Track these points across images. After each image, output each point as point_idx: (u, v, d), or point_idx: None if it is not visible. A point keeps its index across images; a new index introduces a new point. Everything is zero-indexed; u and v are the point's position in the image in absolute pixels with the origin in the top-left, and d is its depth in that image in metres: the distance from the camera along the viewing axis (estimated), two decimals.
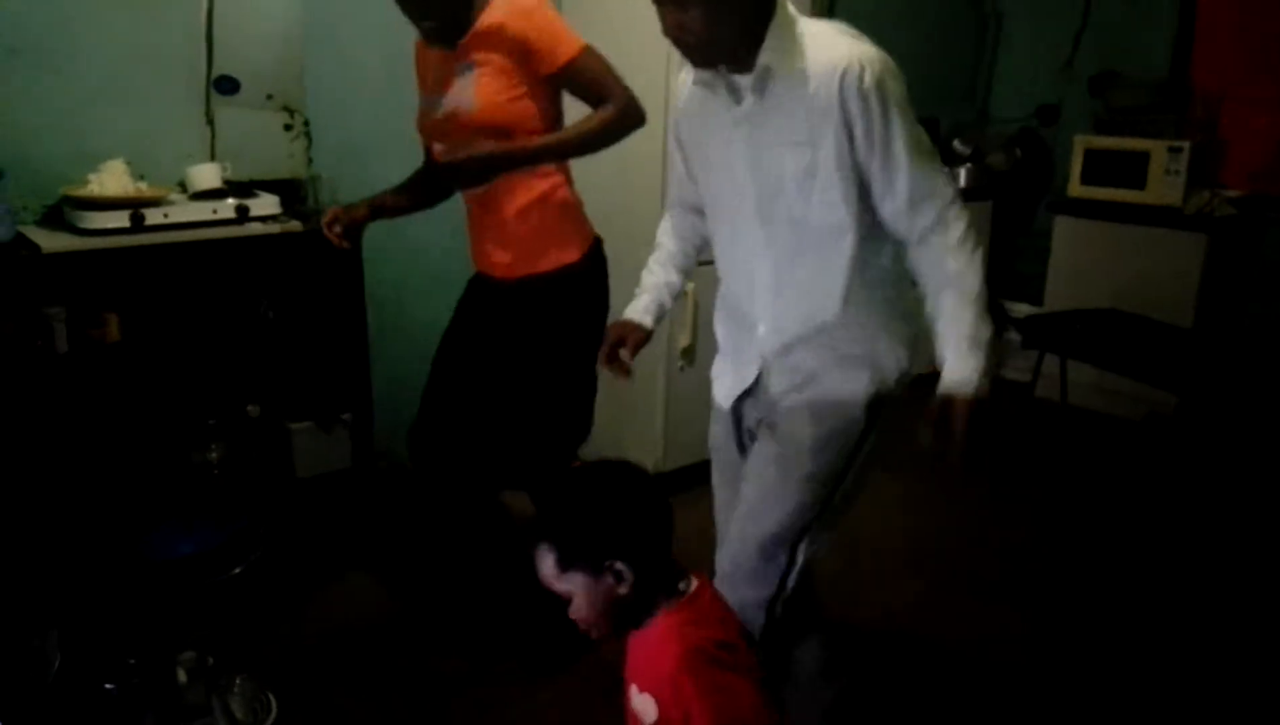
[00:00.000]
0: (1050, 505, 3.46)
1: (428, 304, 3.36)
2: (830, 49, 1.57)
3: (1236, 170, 4.26)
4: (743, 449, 1.91)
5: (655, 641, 1.36)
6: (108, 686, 2.11)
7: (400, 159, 3.21)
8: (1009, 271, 4.77)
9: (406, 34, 3.17)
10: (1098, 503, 3.49)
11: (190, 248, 2.57)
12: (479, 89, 2.13)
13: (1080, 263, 4.34)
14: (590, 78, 2.16)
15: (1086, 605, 2.83)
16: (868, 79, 1.55)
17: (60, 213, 2.56)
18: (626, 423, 3.44)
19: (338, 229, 2.29)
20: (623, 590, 1.34)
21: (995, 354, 1.63)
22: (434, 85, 2.22)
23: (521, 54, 2.11)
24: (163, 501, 2.69)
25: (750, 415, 1.88)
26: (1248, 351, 4.16)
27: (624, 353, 1.91)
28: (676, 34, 1.57)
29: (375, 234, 2.86)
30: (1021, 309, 4.53)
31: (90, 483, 2.55)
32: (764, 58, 1.59)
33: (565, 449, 2.42)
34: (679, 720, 1.31)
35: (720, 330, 1.94)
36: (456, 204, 2.42)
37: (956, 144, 4.78)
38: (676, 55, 3.06)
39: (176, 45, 2.80)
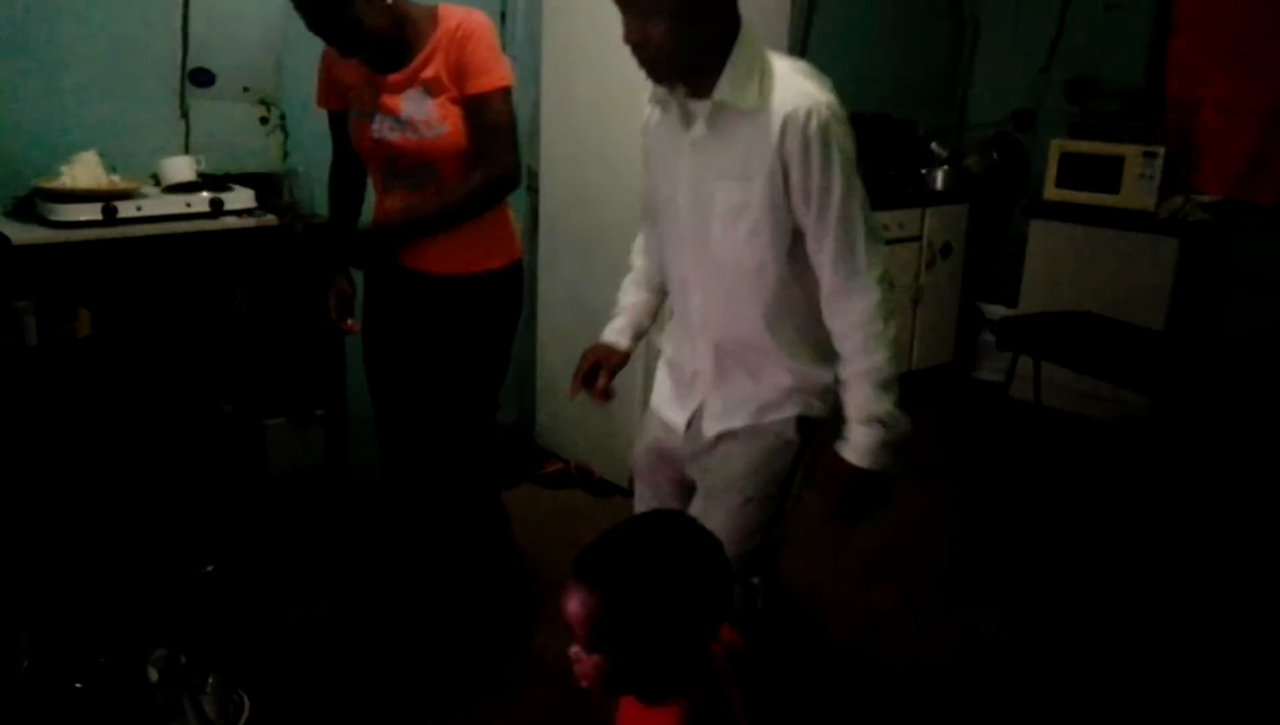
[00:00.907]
0: (1024, 506, 3.49)
1: None
2: (784, 90, 1.56)
3: (1209, 175, 4.31)
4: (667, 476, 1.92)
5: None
6: (78, 685, 2.08)
7: None
8: (985, 273, 4.81)
9: None
10: (1072, 503, 3.52)
11: (163, 241, 2.54)
12: (445, 113, 2.10)
13: (1055, 265, 4.38)
14: (493, 120, 2.11)
15: (1063, 606, 2.85)
16: (813, 125, 1.53)
17: (31, 204, 2.52)
18: (604, 424, 3.43)
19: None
20: (655, 670, 1.27)
21: (895, 428, 1.63)
22: (373, 103, 2.15)
23: (458, 72, 2.08)
24: (133, 500, 2.66)
25: (688, 446, 1.85)
26: (1219, 355, 4.21)
27: (601, 377, 1.89)
28: (637, 43, 1.56)
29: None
30: (997, 311, 4.57)
31: (58, 480, 2.51)
32: (720, 90, 1.57)
33: (482, 429, 2.45)
34: None
35: (667, 343, 1.94)
36: None
37: (934, 146, 4.81)
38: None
39: (151, 37, 2.77)
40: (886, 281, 1.63)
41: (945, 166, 4.75)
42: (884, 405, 1.62)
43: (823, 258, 1.61)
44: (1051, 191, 4.40)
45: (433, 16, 2.11)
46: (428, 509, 2.54)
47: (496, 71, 2.10)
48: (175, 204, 2.60)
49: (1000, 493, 3.58)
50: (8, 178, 2.57)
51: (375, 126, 2.15)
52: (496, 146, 2.11)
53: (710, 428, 1.79)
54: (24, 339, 2.43)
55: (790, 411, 1.74)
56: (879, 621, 2.73)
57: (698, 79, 1.59)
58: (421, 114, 2.10)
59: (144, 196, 2.58)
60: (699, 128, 1.63)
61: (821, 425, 1.78)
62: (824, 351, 1.72)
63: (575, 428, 3.55)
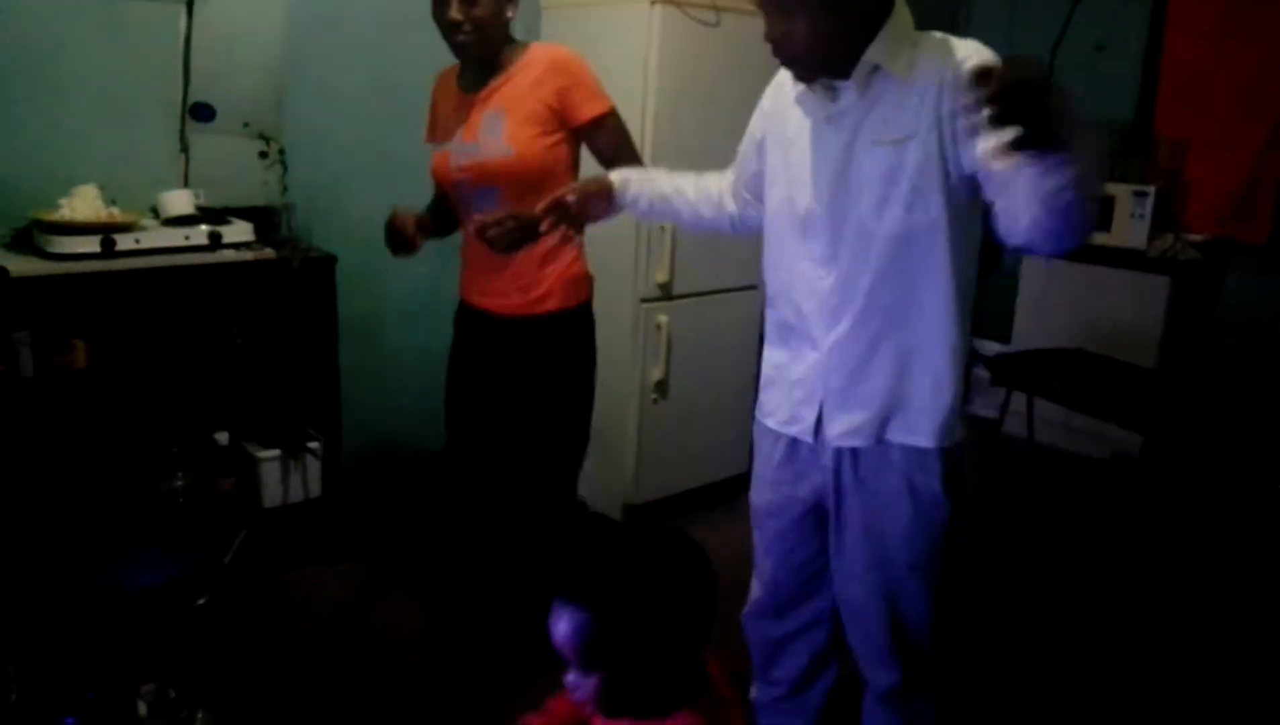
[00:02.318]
0: (1016, 543, 3.48)
1: (400, 334, 3.37)
2: (941, 49, 1.50)
3: (1199, 214, 4.34)
4: (800, 490, 1.79)
5: None
6: (66, 720, 2.06)
7: (375, 188, 3.23)
8: (977, 309, 4.81)
9: (386, 64, 3.21)
10: (1064, 540, 3.51)
11: (161, 274, 2.55)
12: (513, 136, 2.15)
13: (1047, 302, 4.41)
14: (613, 138, 2.23)
15: (1053, 641, 2.84)
16: (973, 61, 1.41)
17: (29, 236, 2.53)
18: (598, 457, 3.43)
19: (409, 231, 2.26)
20: (656, 683, 1.25)
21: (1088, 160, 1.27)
22: (453, 132, 2.24)
23: (557, 102, 2.15)
24: (126, 531, 2.65)
25: (816, 463, 1.74)
26: (1210, 393, 4.24)
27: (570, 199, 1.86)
28: (779, 42, 1.52)
29: (349, 264, 2.87)
30: (990, 347, 4.59)
31: (53, 511, 2.51)
32: (872, 52, 1.50)
33: (566, 480, 2.42)
34: None
35: (771, 358, 1.83)
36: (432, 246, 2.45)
37: None
38: (655, 72, 3.14)
39: (153, 71, 2.79)
40: None
41: None
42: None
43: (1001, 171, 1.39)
44: None
45: (525, 48, 2.22)
46: (493, 554, 2.48)
47: (603, 96, 2.21)
48: (174, 237, 2.61)
49: (993, 529, 3.58)
50: (7, 209, 2.58)
51: (453, 156, 2.23)
52: (624, 157, 2.22)
53: (836, 433, 1.66)
54: (20, 370, 2.43)
55: (933, 441, 1.61)
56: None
57: (839, 71, 1.53)
58: (492, 135, 2.16)
59: (143, 229, 2.59)
60: (847, 96, 1.55)
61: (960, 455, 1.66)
62: (961, 352, 1.63)
63: None
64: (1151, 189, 4.11)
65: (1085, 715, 2.52)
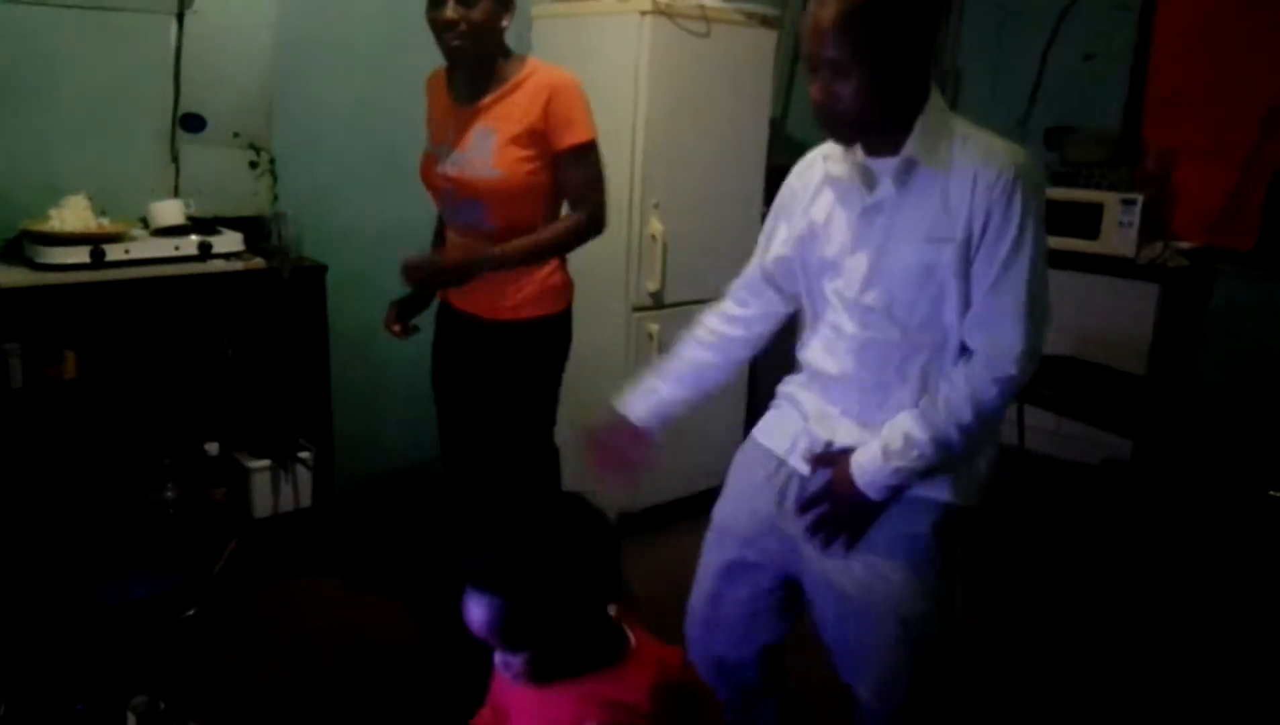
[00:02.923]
0: (1007, 551, 3.49)
1: (390, 343, 3.35)
2: (979, 148, 1.51)
3: (1188, 222, 4.36)
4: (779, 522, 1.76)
5: (626, 689, 1.29)
6: None
7: (366, 198, 3.23)
8: None
9: (376, 74, 3.22)
10: (1056, 547, 3.52)
11: (151, 284, 2.55)
12: (500, 157, 2.15)
13: None
14: (585, 172, 2.22)
15: (1046, 648, 2.84)
16: (1006, 180, 1.48)
17: (19, 247, 2.53)
18: (574, 473, 3.42)
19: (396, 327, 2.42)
20: (575, 647, 1.28)
21: (917, 472, 1.54)
22: (444, 135, 2.25)
23: (544, 125, 2.14)
24: (116, 542, 2.64)
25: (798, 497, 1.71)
26: (1200, 399, 4.25)
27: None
28: (825, 103, 1.51)
29: (339, 273, 2.87)
30: None
31: (43, 522, 2.50)
32: (910, 148, 1.51)
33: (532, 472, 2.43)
34: None
35: (791, 390, 1.81)
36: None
37: None
38: (645, 82, 3.15)
39: (143, 82, 2.79)
40: (1027, 362, 1.54)
41: None
42: (927, 450, 1.53)
43: (971, 314, 1.54)
44: None
45: (521, 62, 2.21)
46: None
47: (586, 126, 2.19)
48: (164, 247, 2.61)
49: (984, 538, 3.58)
50: None
51: (439, 162, 2.24)
52: (593, 195, 2.23)
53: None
54: (9, 381, 2.42)
55: (940, 492, 1.62)
56: None
57: (880, 140, 1.55)
58: (479, 153, 2.16)
59: (132, 239, 2.59)
60: (884, 188, 1.55)
61: (970, 517, 1.67)
62: (988, 435, 1.65)
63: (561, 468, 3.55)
64: (1140, 197, 4.13)
65: (1079, 719, 2.52)
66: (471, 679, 2.47)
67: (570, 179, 2.22)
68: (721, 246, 3.49)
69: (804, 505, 1.63)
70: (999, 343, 1.53)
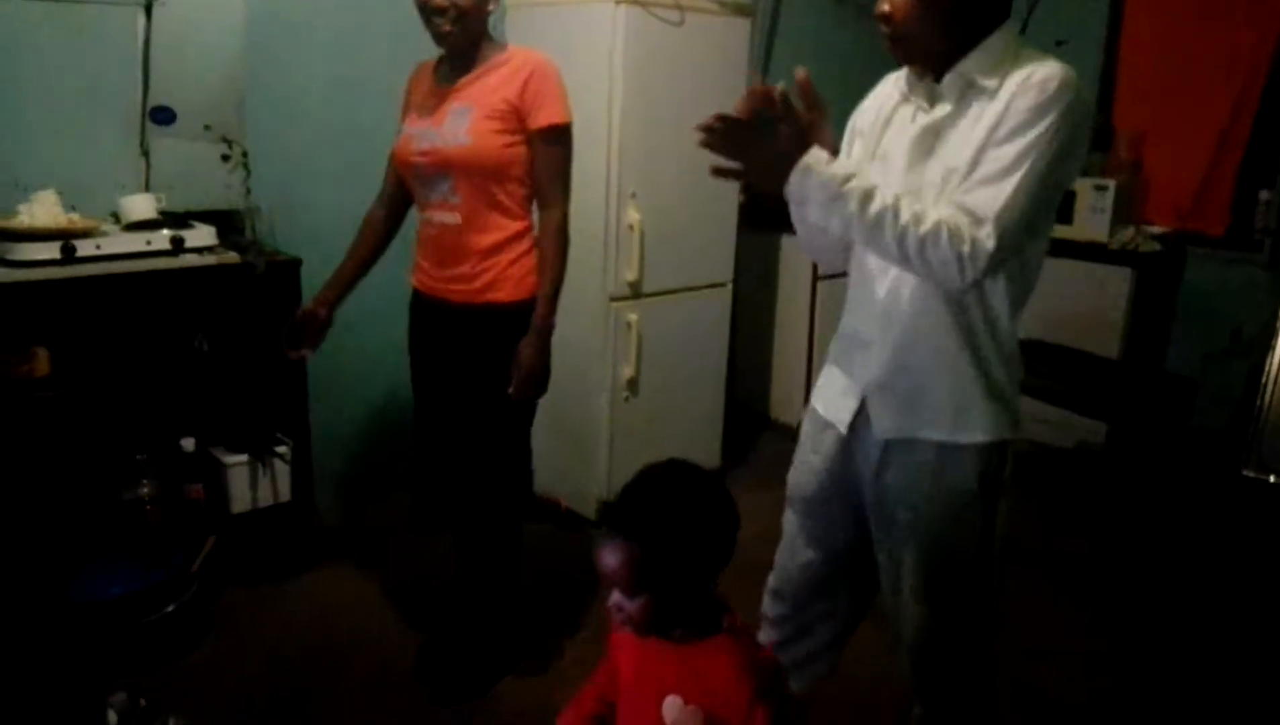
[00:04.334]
0: None
1: (366, 335, 3.35)
2: (1032, 62, 1.48)
3: (1159, 207, 4.41)
4: (842, 484, 1.79)
5: (719, 663, 1.38)
6: None
7: (340, 190, 3.20)
8: None
9: (348, 64, 3.20)
10: (1032, 529, 3.55)
11: (123, 280, 2.52)
12: (473, 128, 2.17)
13: None
14: (556, 156, 2.24)
15: (1023, 631, 2.87)
16: (1038, 75, 1.45)
17: None
18: (571, 455, 3.43)
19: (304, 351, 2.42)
20: (695, 603, 1.39)
21: (831, 204, 1.42)
22: (422, 117, 2.26)
23: (520, 101, 2.17)
24: (92, 540, 2.62)
25: (861, 455, 1.74)
26: (1172, 381, 4.30)
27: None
28: (886, 17, 1.52)
29: (313, 266, 2.84)
30: None
31: (17, 521, 2.47)
32: (968, 64, 1.51)
33: (507, 460, 2.43)
34: None
35: (832, 350, 1.83)
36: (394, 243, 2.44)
37: None
38: (620, 72, 3.14)
39: (112, 75, 2.76)
40: (1000, 239, 1.42)
41: None
42: (867, 205, 1.42)
43: (964, 176, 1.48)
44: None
45: (503, 48, 2.26)
46: (459, 539, 2.53)
47: (561, 109, 2.22)
48: (135, 242, 2.58)
49: None
50: None
51: (415, 139, 2.25)
52: (560, 187, 2.26)
53: (881, 426, 1.67)
54: None
55: (978, 432, 1.62)
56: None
57: (948, 61, 1.53)
58: (455, 126, 2.19)
59: (103, 235, 2.56)
60: (943, 109, 1.55)
61: (1007, 466, 1.67)
62: (1002, 375, 1.63)
63: (540, 459, 3.55)
64: (1112, 183, 4.16)
65: (1055, 698, 2.55)
66: (449, 671, 2.49)
67: (541, 163, 2.23)
68: (699, 235, 3.50)
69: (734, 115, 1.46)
70: (975, 214, 1.44)
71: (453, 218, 2.24)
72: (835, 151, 1.61)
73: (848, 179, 1.43)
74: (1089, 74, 4.55)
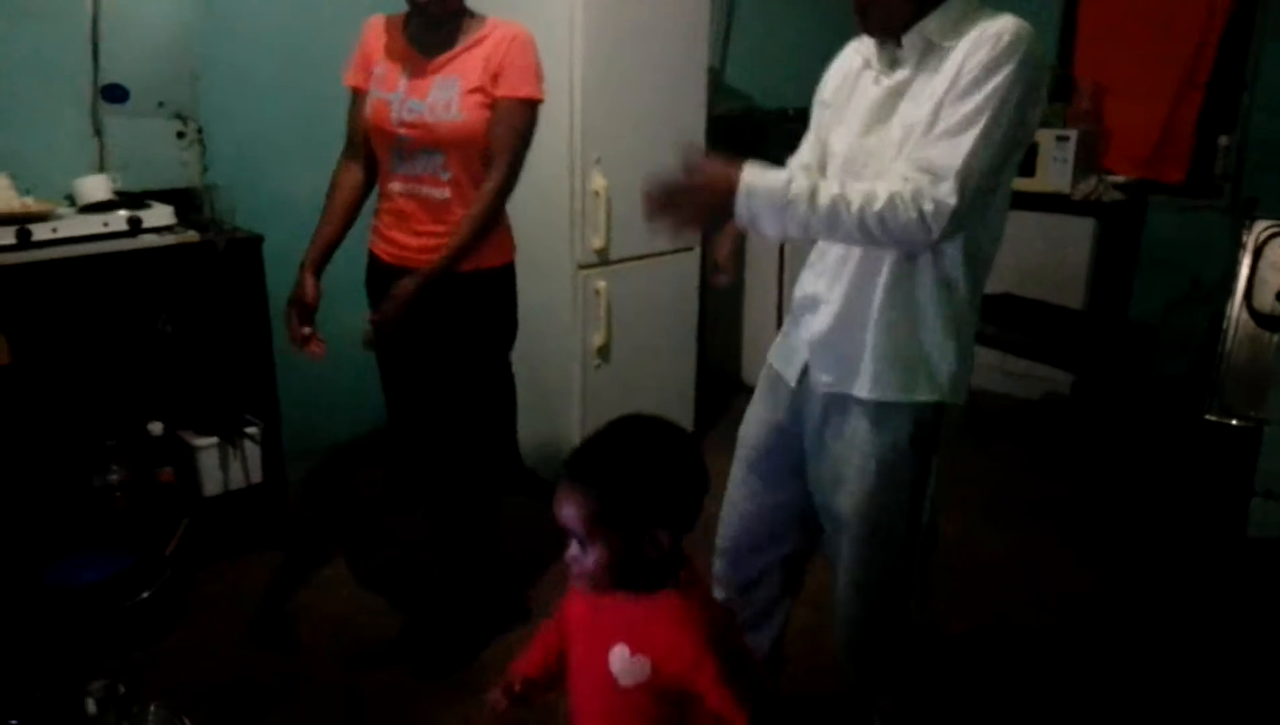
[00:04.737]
0: (950, 490, 3.56)
1: (332, 311, 3.30)
2: (986, 18, 1.50)
3: (1120, 157, 4.45)
4: (786, 437, 1.84)
5: (667, 614, 1.37)
6: (12, 722, 2.02)
7: (299, 165, 3.16)
8: None
9: (303, 36, 3.14)
10: (1001, 482, 3.60)
11: (81, 263, 2.48)
12: (464, 103, 2.14)
13: None
14: (514, 127, 2.17)
15: (990, 585, 2.92)
16: (991, 30, 1.46)
17: None
18: (543, 424, 3.43)
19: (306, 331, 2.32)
20: (652, 556, 1.35)
21: (784, 213, 1.45)
22: (396, 84, 2.20)
23: (497, 69, 2.14)
24: (63, 528, 2.59)
25: (806, 408, 1.78)
26: (1136, 330, 4.36)
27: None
28: None
29: (275, 243, 2.81)
30: None
31: None
32: (927, 26, 1.52)
33: (479, 432, 2.41)
34: (693, 689, 1.35)
35: (790, 307, 1.87)
36: (363, 215, 2.40)
37: None
38: (580, 36, 3.10)
39: (60, 54, 2.69)
40: (960, 195, 1.43)
41: None
42: (815, 213, 1.45)
43: (917, 134, 1.50)
44: None
45: (482, 21, 2.22)
46: (432, 514, 2.52)
47: (531, 83, 2.18)
48: (92, 224, 2.54)
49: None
50: None
51: (395, 108, 2.19)
52: (507, 160, 2.18)
53: (821, 380, 1.71)
54: None
55: (914, 392, 1.65)
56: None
57: (908, 29, 1.55)
58: (442, 100, 2.15)
59: (59, 218, 2.51)
60: (902, 72, 1.56)
61: (947, 413, 1.69)
62: (945, 338, 1.64)
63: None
64: (1073, 133, 4.18)
65: (1037, 657, 2.60)
66: (426, 650, 2.49)
67: (498, 130, 2.17)
68: None
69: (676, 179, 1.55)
70: (934, 169, 1.45)
71: (441, 193, 2.20)
72: None
73: (789, 183, 1.46)
74: (1049, 25, 4.55)
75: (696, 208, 1.53)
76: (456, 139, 2.16)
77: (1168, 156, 4.37)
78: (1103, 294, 4.30)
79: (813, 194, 1.46)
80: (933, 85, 1.51)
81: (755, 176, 1.47)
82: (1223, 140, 4.21)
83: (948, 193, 1.43)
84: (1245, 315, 3.75)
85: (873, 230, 1.46)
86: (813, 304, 1.75)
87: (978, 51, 1.46)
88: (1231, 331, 3.76)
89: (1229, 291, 3.79)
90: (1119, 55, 4.41)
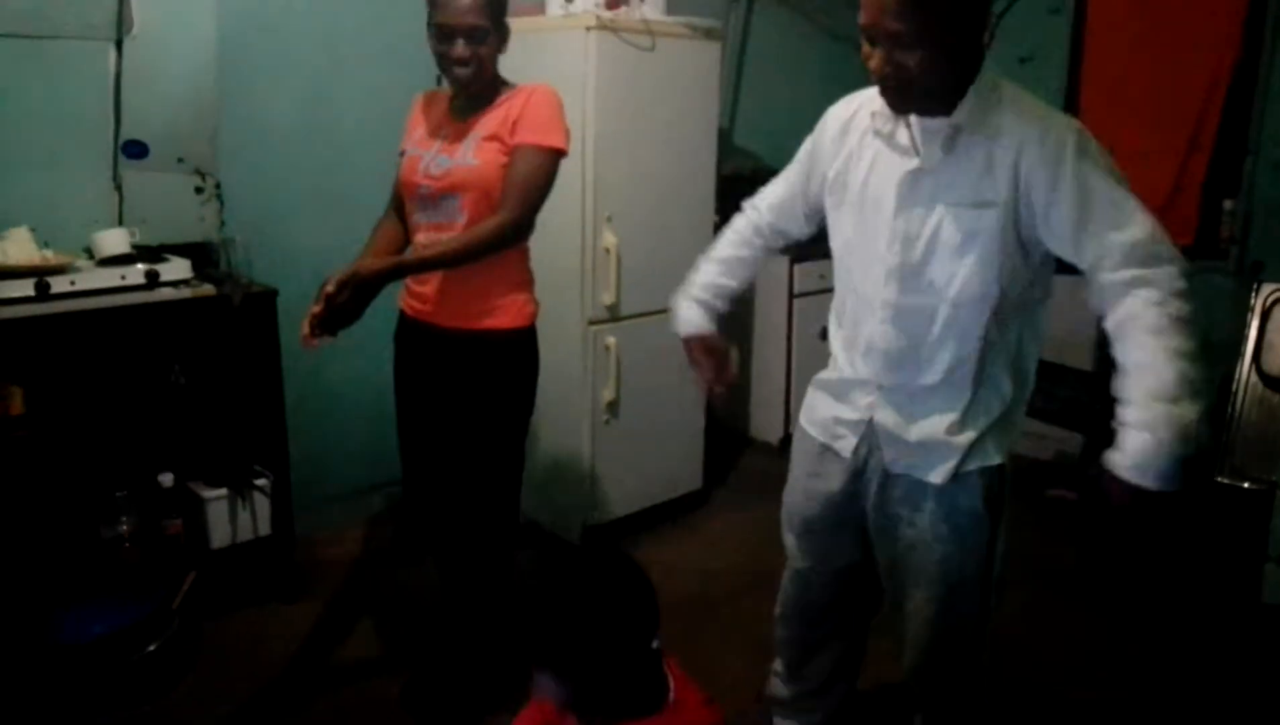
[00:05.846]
0: None
1: (344, 365, 3.34)
2: (1025, 115, 1.54)
3: None
4: (841, 505, 1.85)
5: None
6: None
7: (315, 220, 3.21)
8: None
9: (321, 96, 3.20)
10: (1012, 544, 3.56)
11: (98, 315, 2.50)
12: (480, 151, 2.19)
13: None
14: (532, 172, 2.16)
15: (1003, 648, 2.89)
16: (1050, 142, 1.51)
17: None
18: (553, 479, 3.42)
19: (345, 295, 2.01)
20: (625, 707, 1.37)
21: (1188, 439, 1.48)
22: (433, 141, 2.26)
23: (514, 123, 2.18)
24: (72, 578, 2.59)
25: (863, 475, 1.81)
26: None
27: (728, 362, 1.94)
28: (886, 73, 1.53)
29: (290, 297, 2.84)
30: None
31: None
32: (959, 114, 1.55)
33: (496, 497, 2.39)
34: None
35: (823, 382, 1.88)
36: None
37: None
38: (593, 97, 3.15)
39: (83, 109, 2.75)
40: (1174, 257, 1.53)
41: None
42: (1190, 408, 1.50)
43: (1099, 258, 1.57)
44: None
45: (514, 87, 2.27)
46: (444, 571, 2.50)
47: (549, 132, 2.19)
48: (110, 277, 2.56)
49: None
50: None
51: (423, 162, 2.24)
52: (524, 199, 2.16)
53: (891, 462, 1.74)
54: None
55: (987, 458, 1.70)
56: None
57: (935, 106, 1.57)
58: (464, 151, 2.20)
59: (77, 271, 2.54)
60: (932, 154, 1.59)
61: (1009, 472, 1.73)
62: (1003, 416, 1.70)
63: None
64: None
65: (1051, 697, 2.57)
66: (438, 701, 2.47)
67: (514, 173, 2.17)
68: (675, 257, 3.48)
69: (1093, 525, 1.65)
70: (1130, 251, 1.54)
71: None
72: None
73: (1168, 422, 1.51)
74: (1053, 90, 4.61)
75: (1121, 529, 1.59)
76: (470, 182, 2.18)
77: (1175, 219, 4.38)
78: (1111, 357, 4.29)
79: (1176, 396, 1.52)
80: (969, 179, 1.55)
81: (1143, 460, 1.53)
82: (1227, 204, 4.23)
83: (1175, 273, 1.55)
84: (1255, 378, 3.74)
85: (1191, 335, 1.54)
86: (861, 385, 1.76)
87: (1076, 162, 1.52)
88: (1241, 394, 3.74)
89: (1238, 353, 3.78)
90: (1123, 119, 4.45)
